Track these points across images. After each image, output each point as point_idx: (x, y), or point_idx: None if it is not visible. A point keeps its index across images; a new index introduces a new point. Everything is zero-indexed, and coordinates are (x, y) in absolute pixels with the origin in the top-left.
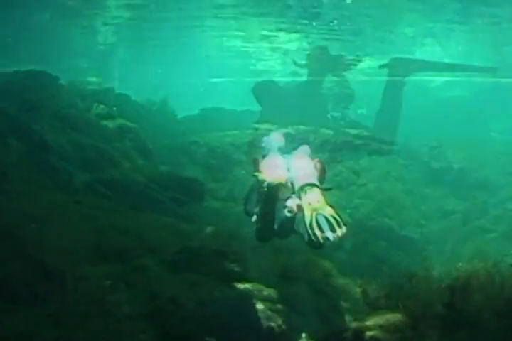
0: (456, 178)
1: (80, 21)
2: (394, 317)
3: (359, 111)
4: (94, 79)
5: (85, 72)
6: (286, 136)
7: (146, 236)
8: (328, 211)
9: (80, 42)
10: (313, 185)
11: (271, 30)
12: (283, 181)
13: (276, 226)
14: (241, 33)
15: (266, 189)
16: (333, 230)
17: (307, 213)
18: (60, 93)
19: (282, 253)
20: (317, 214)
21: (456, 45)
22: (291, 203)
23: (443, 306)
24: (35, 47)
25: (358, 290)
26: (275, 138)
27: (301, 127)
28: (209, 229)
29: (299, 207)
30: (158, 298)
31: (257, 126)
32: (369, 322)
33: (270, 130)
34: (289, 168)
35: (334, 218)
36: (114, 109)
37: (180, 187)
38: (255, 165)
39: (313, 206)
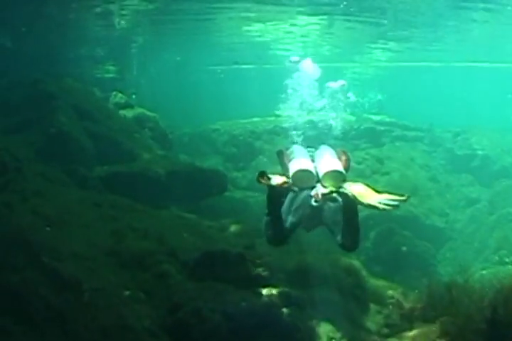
0: (480, 165)
1: (95, 7)
2: (432, 333)
3: (378, 97)
4: (111, 67)
5: (102, 60)
6: (309, 123)
7: (167, 239)
8: (384, 196)
9: (96, 30)
10: (337, 171)
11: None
12: (284, 182)
13: (289, 226)
14: (260, 17)
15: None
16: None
17: (368, 201)
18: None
19: (309, 252)
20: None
21: None
22: (316, 192)
23: (485, 322)
24: (49, 36)
25: (390, 293)
26: (302, 147)
27: (323, 113)
28: (232, 227)
29: (324, 196)
30: (180, 310)
31: (278, 112)
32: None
33: (291, 117)
34: (313, 159)
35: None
36: (134, 96)
37: (202, 179)
38: (280, 158)
39: (368, 196)
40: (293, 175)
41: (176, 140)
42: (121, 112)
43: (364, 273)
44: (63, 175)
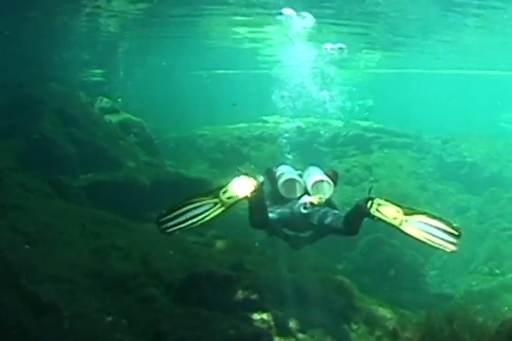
0: (469, 173)
1: (81, 10)
2: None
3: (366, 103)
4: (98, 70)
5: (88, 63)
6: (296, 129)
7: (151, 258)
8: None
9: (82, 33)
10: (326, 181)
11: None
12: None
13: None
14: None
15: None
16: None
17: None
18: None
19: (298, 270)
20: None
21: None
22: (306, 200)
23: None
24: (34, 39)
25: (383, 313)
26: (289, 166)
27: (311, 119)
28: (219, 243)
29: (312, 204)
30: (165, 339)
31: (265, 118)
32: None
33: (279, 122)
34: (301, 175)
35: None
36: (120, 100)
37: (188, 189)
38: (269, 175)
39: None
40: (282, 185)
41: (162, 145)
42: (107, 117)
43: (355, 291)
44: (45, 186)
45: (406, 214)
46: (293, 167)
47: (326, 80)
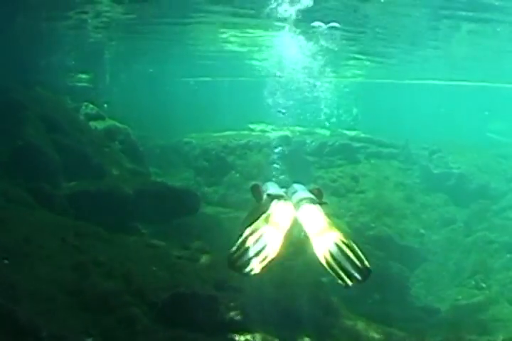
0: (456, 184)
1: (67, 16)
2: None
3: (353, 112)
4: (84, 75)
5: (74, 68)
6: (283, 138)
7: (134, 275)
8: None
9: (68, 38)
10: (309, 198)
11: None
12: None
13: None
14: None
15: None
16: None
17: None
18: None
19: (284, 287)
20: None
21: None
22: None
23: None
24: (20, 43)
25: (369, 334)
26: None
27: (298, 128)
28: (203, 258)
29: None
30: None
31: (252, 126)
32: None
33: (265, 131)
34: (286, 192)
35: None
36: (105, 105)
37: (173, 199)
38: (254, 192)
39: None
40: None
41: (147, 152)
42: (92, 124)
43: (343, 310)
44: (27, 195)
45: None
46: (278, 184)
47: (313, 89)
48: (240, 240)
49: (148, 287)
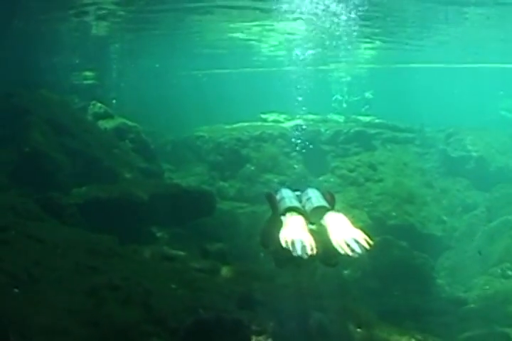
0: (475, 167)
1: (69, 15)
2: None
3: (366, 96)
4: (90, 73)
5: (79, 67)
6: (296, 127)
7: (153, 299)
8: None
9: (71, 37)
10: (324, 207)
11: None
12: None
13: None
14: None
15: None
16: None
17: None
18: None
19: (311, 297)
20: None
21: None
22: None
23: None
24: (22, 45)
25: None
26: (289, 190)
27: (310, 116)
28: (224, 270)
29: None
30: None
31: (264, 116)
32: None
33: (278, 121)
34: (300, 200)
35: None
36: (114, 101)
37: (188, 201)
38: (270, 200)
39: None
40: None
41: (159, 148)
42: (101, 123)
43: (374, 320)
44: (36, 207)
45: None
46: (291, 189)
47: (324, 75)
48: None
49: (168, 310)
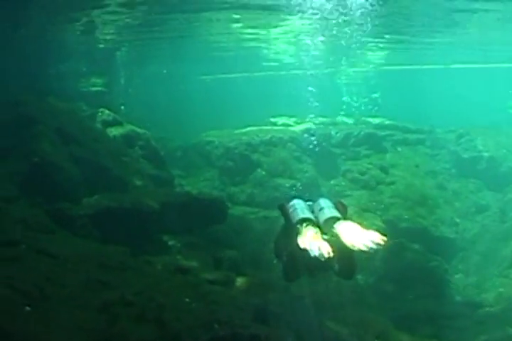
0: (486, 168)
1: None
2: None
3: (373, 96)
4: (97, 79)
5: (86, 73)
6: (306, 131)
7: (167, 316)
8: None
9: (77, 44)
10: (336, 218)
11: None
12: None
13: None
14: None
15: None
16: None
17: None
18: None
19: (326, 309)
20: None
21: None
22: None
23: None
24: (28, 53)
25: None
26: (301, 201)
27: (320, 119)
28: (239, 281)
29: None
30: None
31: (273, 120)
32: None
33: (288, 125)
34: (312, 210)
35: None
36: (122, 107)
37: (199, 210)
38: (282, 211)
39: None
40: (296, 224)
41: (168, 154)
42: (109, 130)
43: (392, 331)
44: (47, 219)
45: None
46: (303, 199)
47: (332, 77)
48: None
49: (183, 326)
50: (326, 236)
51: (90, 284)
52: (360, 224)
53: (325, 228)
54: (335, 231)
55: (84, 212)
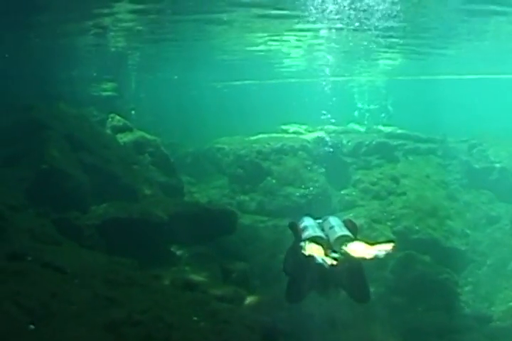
0: (498, 179)
1: (85, 26)
2: None
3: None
4: (108, 84)
5: (98, 79)
6: (318, 140)
7: (175, 334)
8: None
9: (89, 50)
10: (347, 236)
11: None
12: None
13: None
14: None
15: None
16: None
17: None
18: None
19: (337, 327)
20: None
21: None
22: (328, 261)
23: None
24: (40, 59)
25: None
26: (311, 219)
27: (331, 127)
28: (248, 299)
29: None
30: None
31: (284, 127)
32: None
33: (299, 133)
34: (322, 228)
35: None
36: (133, 112)
37: (209, 221)
38: (293, 229)
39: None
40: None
41: (179, 160)
42: (119, 136)
43: None
44: (54, 229)
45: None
46: (313, 217)
47: (344, 86)
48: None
49: None
50: (335, 254)
51: (97, 301)
52: (369, 243)
53: (335, 246)
54: (345, 249)
55: (92, 222)
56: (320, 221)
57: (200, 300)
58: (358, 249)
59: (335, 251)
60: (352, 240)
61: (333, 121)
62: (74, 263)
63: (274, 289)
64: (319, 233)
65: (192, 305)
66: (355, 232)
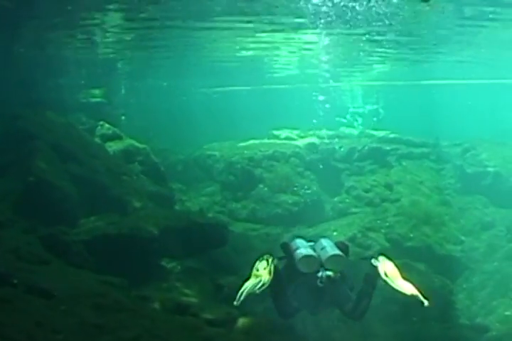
0: (492, 183)
1: (74, 33)
2: None
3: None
4: (97, 91)
5: (86, 85)
6: (310, 146)
7: None
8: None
9: (77, 58)
10: (339, 255)
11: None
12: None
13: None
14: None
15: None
16: None
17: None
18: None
19: None
20: None
21: None
22: (322, 274)
23: None
24: (24, 67)
25: None
26: (303, 240)
27: (324, 132)
28: (240, 322)
29: (329, 277)
30: None
31: (276, 133)
32: None
33: (291, 138)
34: (314, 249)
35: None
36: (123, 118)
37: (200, 234)
38: (285, 250)
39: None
40: (299, 261)
41: (169, 167)
42: (109, 145)
43: None
44: (41, 248)
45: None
46: (305, 239)
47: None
48: None
49: None
50: (329, 273)
51: (84, 328)
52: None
53: (327, 265)
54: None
55: (80, 238)
56: (312, 243)
57: (192, 326)
58: (406, 286)
59: (327, 269)
60: (344, 260)
61: (316, 126)
62: (61, 286)
63: (267, 302)
64: (311, 252)
65: (183, 331)
66: (347, 253)
